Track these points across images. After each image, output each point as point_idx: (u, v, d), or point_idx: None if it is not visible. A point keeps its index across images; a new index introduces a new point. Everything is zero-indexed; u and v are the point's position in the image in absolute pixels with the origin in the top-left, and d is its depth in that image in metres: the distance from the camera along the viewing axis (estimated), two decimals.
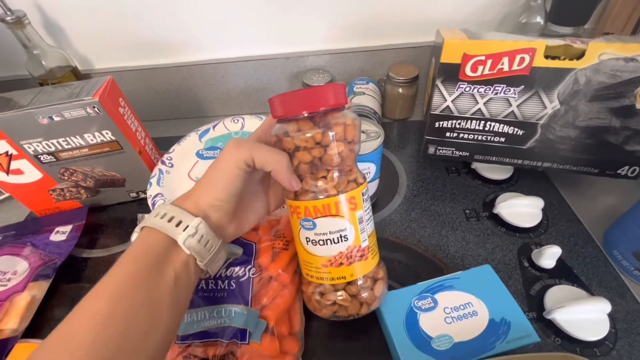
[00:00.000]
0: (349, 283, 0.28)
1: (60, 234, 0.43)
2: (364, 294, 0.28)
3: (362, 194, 0.28)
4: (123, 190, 0.47)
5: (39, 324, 0.36)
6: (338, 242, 0.27)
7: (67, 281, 0.40)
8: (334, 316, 0.29)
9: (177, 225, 0.24)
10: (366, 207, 0.28)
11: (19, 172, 0.41)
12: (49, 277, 0.38)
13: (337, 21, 0.53)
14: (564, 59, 0.34)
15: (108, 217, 0.48)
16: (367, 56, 0.55)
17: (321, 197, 0.27)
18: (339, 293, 0.28)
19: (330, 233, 0.27)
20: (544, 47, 0.34)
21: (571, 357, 0.25)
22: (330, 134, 0.26)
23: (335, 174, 0.27)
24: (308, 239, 0.28)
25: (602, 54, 0.33)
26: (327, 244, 0.27)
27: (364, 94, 0.53)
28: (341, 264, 0.28)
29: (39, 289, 0.37)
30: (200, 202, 0.26)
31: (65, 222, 0.45)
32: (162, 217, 0.25)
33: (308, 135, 0.25)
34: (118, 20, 0.53)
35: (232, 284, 0.30)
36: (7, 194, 0.50)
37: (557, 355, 0.26)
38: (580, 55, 0.33)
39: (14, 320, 0.35)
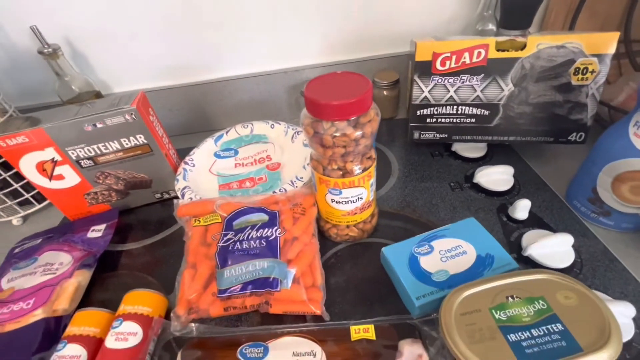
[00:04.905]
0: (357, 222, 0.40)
1: (95, 232, 0.48)
2: (366, 227, 0.41)
3: (375, 167, 0.36)
4: (149, 192, 0.53)
5: (86, 306, 0.40)
6: (356, 201, 0.37)
7: (107, 270, 0.45)
8: (344, 241, 0.42)
9: None
10: (375, 174, 0.37)
11: (60, 177, 0.47)
12: (91, 266, 0.43)
13: (327, 39, 0.62)
14: (511, 51, 0.43)
15: (136, 219, 0.53)
16: (355, 66, 0.65)
17: (348, 175, 0.35)
18: (351, 228, 0.40)
19: (351, 197, 0.36)
20: (494, 42, 0.43)
21: (542, 271, 0.31)
22: (360, 133, 0.32)
23: (360, 158, 0.35)
24: (333, 200, 0.37)
25: (539, 44, 0.42)
26: (347, 203, 0.37)
27: None
28: (355, 213, 0.37)
29: (84, 276, 0.42)
30: None
31: (99, 223, 0.50)
32: None
33: (348, 134, 0.31)
34: (135, 49, 0.61)
35: (263, 242, 0.36)
36: (38, 206, 0.55)
37: (532, 270, 0.32)
38: (523, 46, 0.43)
39: (65, 301, 0.39)
